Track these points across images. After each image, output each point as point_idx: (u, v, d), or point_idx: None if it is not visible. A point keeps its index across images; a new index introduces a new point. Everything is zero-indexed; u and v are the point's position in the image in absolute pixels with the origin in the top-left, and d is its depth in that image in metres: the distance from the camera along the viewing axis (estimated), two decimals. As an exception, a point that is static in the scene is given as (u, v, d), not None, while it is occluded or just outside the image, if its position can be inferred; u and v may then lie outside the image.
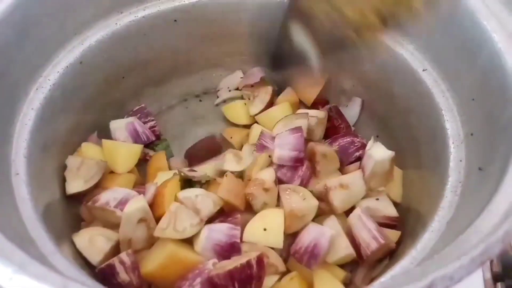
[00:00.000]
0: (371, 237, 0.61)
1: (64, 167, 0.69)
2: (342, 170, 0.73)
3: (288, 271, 0.63)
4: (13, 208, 0.55)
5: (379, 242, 0.61)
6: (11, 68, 0.62)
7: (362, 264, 0.64)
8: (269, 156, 0.69)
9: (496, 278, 0.69)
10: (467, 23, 0.61)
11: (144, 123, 0.81)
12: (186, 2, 0.80)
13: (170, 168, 0.78)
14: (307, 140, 0.73)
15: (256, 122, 0.83)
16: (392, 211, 0.67)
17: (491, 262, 0.70)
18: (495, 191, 0.49)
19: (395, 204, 0.69)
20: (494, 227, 0.42)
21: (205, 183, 0.69)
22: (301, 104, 0.85)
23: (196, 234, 0.61)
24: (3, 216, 0.50)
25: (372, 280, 0.61)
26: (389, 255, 0.64)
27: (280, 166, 0.68)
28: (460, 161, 0.61)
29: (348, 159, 0.75)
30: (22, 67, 0.64)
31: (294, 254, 0.61)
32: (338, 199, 0.65)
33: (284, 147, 0.68)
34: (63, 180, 0.68)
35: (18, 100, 0.64)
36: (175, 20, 0.80)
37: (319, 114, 0.79)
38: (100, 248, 0.61)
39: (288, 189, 0.66)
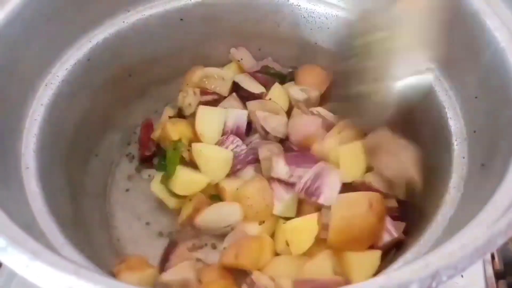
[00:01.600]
0: (384, 230, 0.62)
1: (72, 163, 0.70)
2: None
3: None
4: (24, 201, 0.56)
5: (392, 236, 0.61)
6: (20, 65, 0.63)
7: None
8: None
9: (498, 275, 0.70)
10: (470, 22, 0.62)
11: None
12: (192, 1, 0.81)
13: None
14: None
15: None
16: (392, 203, 0.68)
17: (493, 259, 0.71)
18: (497, 186, 0.49)
19: (399, 201, 0.70)
20: (496, 221, 0.42)
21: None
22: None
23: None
24: (14, 209, 0.51)
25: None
26: (396, 247, 0.64)
27: None
28: (463, 158, 0.61)
29: None
30: (31, 64, 0.66)
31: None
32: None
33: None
34: (72, 174, 0.69)
35: (27, 96, 0.65)
36: (181, 19, 0.81)
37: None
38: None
39: None
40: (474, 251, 0.36)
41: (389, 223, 0.62)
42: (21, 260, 0.37)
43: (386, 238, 0.61)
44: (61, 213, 0.60)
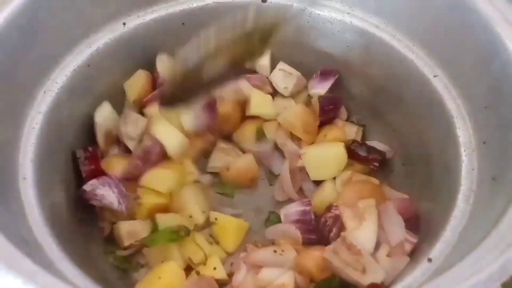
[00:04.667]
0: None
1: (70, 173, 0.68)
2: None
3: None
4: (21, 213, 0.55)
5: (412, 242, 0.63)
6: (18, 71, 0.62)
7: None
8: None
9: (505, 287, 0.69)
10: (480, 30, 0.61)
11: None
12: (193, 5, 0.79)
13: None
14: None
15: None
16: None
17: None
18: (509, 202, 0.48)
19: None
20: (510, 242, 0.41)
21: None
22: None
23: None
24: (10, 221, 0.50)
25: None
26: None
27: None
28: (472, 169, 0.60)
29: None
30: (29, 70, 0.64)
31: None
32: None
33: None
34: (70, 184, 0.67)
35: (25, 104, 0.64)
36: (183, 23, 0.80)
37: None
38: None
39: None
40: (489, 277, 0.34)
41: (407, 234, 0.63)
42: (15, 284, 0.35)
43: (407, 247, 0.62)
44: (58, 225, 0.58)
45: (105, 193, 0.67)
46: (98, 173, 0.69)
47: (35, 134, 0.62)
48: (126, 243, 0.68)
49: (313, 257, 0.63)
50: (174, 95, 0.66)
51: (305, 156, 0.75)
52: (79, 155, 0.70)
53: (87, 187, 0.67)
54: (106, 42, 0.74)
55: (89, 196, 0.67)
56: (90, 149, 0.71)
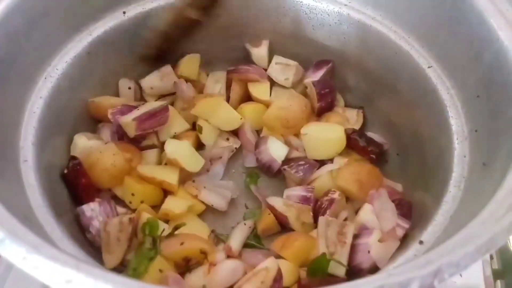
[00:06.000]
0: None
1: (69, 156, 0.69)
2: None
3: None
4: (22, 194, 0.56)
5: (404, 228, 0.64)
6: (20, 57, 0.63)
7: None
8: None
9: (496, 275, 0.70)
10: (474, 21, 0.62)
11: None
12: (193, -5, 0.80)
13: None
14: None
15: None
16: None
17: (492, 259, 0.71)
18: (498, 185, 0.49)
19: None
20: (498, 219, 0.42)
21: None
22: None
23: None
24: (13, 202, 0.50)
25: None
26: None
27: None
28: (464, 156, 0.61)
29: None
30: (31, 56, 0.65)
31: None
32: None
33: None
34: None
35: (27, 89, 0.65)
36: (182, 13, 0.80)
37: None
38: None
39: None
40: (476, 250, 0.36)
41: (399, 219, 0.64)
42: (18, 252, 0.36)
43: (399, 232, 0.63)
44: (59, 206, 0.59)
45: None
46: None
47: (36, 118, 0.64)
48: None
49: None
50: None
51: (305, 136, 0.76)
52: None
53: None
54: (106, 30, 0.75)
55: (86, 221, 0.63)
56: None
